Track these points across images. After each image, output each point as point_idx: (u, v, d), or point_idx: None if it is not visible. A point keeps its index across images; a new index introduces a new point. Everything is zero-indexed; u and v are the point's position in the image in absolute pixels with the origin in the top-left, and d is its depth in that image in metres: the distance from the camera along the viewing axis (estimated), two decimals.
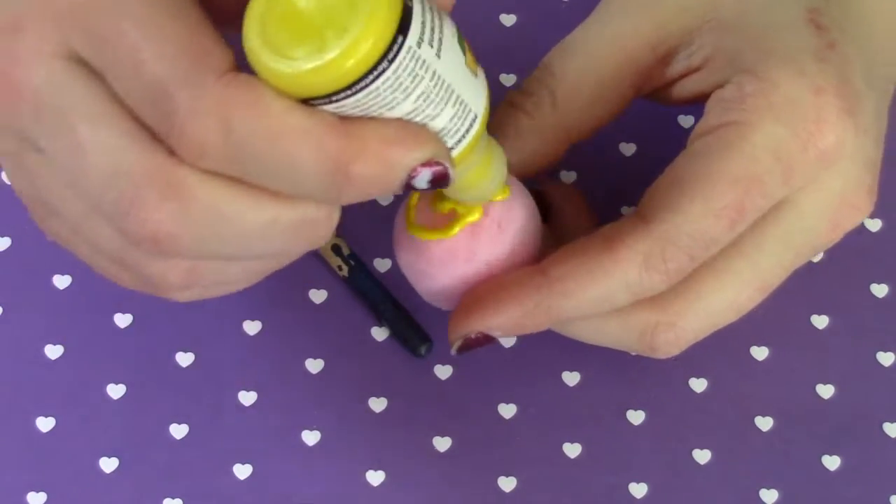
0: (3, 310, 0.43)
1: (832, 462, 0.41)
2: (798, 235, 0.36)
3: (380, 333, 0.43)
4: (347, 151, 0.28)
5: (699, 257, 0.35)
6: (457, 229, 0.36)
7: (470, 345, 0.36)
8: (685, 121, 0.45)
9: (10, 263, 0.44)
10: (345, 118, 0.28)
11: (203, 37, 0.28)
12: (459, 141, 0.30)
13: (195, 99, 0.27)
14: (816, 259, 0.44)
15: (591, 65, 0.38)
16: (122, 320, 0.43)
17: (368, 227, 0.44)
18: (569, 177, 0.45)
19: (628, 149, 0.45)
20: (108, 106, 0.28)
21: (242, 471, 0.41)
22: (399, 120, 0.28)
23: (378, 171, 0.28)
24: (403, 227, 0.37)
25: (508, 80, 0.46)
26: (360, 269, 0.43)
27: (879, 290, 0.44)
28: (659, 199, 0.35)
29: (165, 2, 0.28)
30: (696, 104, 0.38)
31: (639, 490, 0.41)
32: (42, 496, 0.41)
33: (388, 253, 0.44)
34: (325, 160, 0.28)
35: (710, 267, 0.36)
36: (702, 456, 0.42)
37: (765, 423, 0.42)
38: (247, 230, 0.29)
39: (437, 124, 0.29)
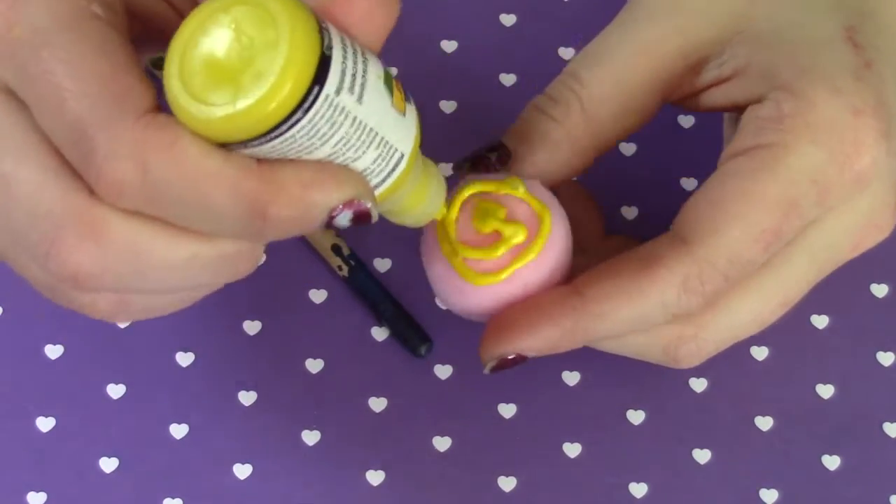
0: (3, 310, 0.43)
1: (832, 462, 0.41)
2: (823, 252, 0.36)
3: (380, 333, 0.43)
4: (264, 194, 0.28)
5: (734, 280, 0.35)
6: (502, 251, 0.35)
7: (504, 365, 0.36)
8: (685, 121, 0.45)
9: None
10: (262, 161, 0.28)
11: (126, 76, 0.28)
12: (384, 181, 0.30)
13: (113, 140, 0.27)
14: None
15: (620, 73, 0.37)
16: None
17: (369, 228, 0.44)
18: None
19: (628, 149, 0.45)
20: (33, 140, 0.29)
21: (242, 471, 0.41)
22: (317, 162, 0.28)
23: (296, 213, 0.28)
24: (436, 239, 0.36)
25: (508, 79, 0.46)
26: (360, 269, 0.43)
27: (879, 290, 0.44)
28: (697, 221, 0.35)
29: (91, 39, 0.28)
30: (724, 112, 0.38)
31: (639, 490, 0.41)
32: (42, 496, 0.41)
33: (388, 253, 0.44)
34: (241, 203, 0.28)
35: (737, 282, 0.36)
36: (702, 456, 0.42)
37: (765, 423, 0.42)
38: (167, 266, 0.29)
39: (359, 166, 0.29)
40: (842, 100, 0.34)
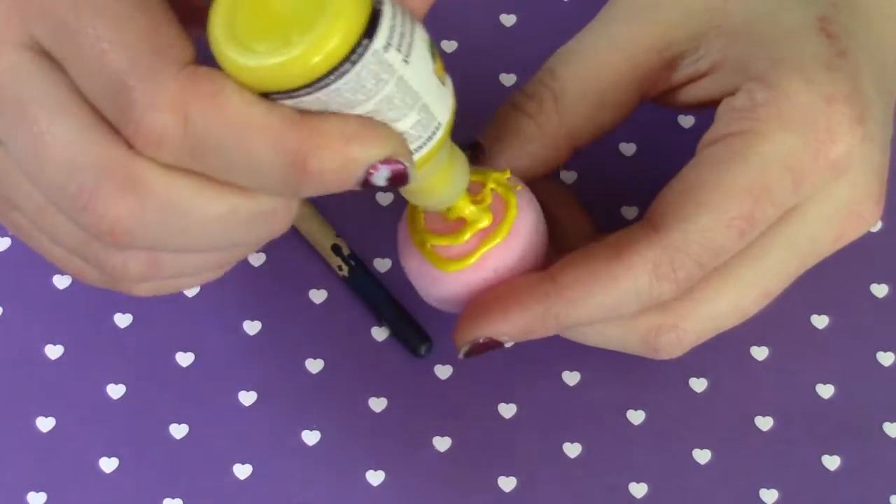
0: (3, 310, 0.43)
1: (832, 462, 0.41)
2: (803, 243, 0.36)
3: (380, 333, 0.43)
4: (305, 145, 0.28)
5: (708, 266, 0.35)
6: (467, 235, 0.35)
7: (477, 350, 0.36)
8: (685, 121, 0.45)
9: (10, 263, 0.44)
10: (304, 112, 0.28)
11: (165, 29, 0.28)
12: (420, 147, 0.30)
13: (154, 91, 0.27)
14: None
15: (595, 69, 0.38)
16: (122, 320, 0.43)
17: (368, 228, 0.44)
18: (569, 176, 0.45)
19: (628, 149, 0.45)
20: (68, 98, 0.28)
21: (242, 471, 0.41)
22: (360, 116, 0.28)
23: (336, 167, 0.28)
24: (408, 232, 0.37)
25: (508, 79, 0.46)
26: (360, 269, 0.43)
27: (879, 290, 0.44)
28: (669, 208, 0.35)
29: None
30: (703, 109, 0.38)
31: (639, 490, 0.41)
32: (42, 496, 0.41)
33: (388, 253, 0.44)
34: (282, 154, 0.28)
35: (714, 270, 0.36)
36: (702, 456, 0.42)
37: (765, 423, 0.42)
38: (205, 222, 0.29)
39: (399, 127, 0.29)
40: (814, 88, 0.34)
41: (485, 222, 0.35)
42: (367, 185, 0.29)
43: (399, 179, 0.29)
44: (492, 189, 0.36)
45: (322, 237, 0.43)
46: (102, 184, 0.28)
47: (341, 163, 0.28)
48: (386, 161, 0.29)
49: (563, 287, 0.35)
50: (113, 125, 0.28)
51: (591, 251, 0.36)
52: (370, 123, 0.28)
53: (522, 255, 0.36)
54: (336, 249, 0.43)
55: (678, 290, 0.35)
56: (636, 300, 0.35)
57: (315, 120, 0.28)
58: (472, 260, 0.36)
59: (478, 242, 0.36)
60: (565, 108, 0.38)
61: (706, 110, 0.38)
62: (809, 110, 0.34)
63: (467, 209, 0.35)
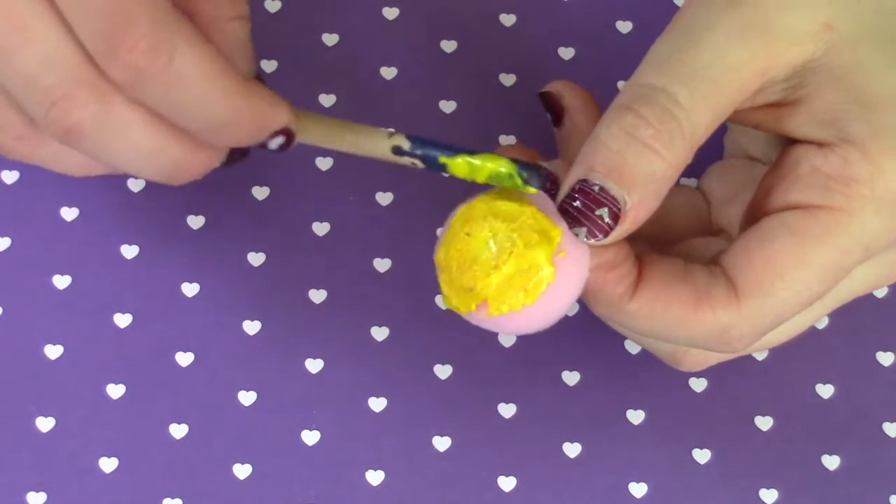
0: (3, 310, 0.43)
1: (832, 462, 0.41)
2: (845, 289, 0.37)
3: (380, 333, 0.43)
4: (249, 105, 0.33)
5: (767, 332, 0.35)
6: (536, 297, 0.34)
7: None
8: None
9: (10, 263, 0.44)
10: (248, 80, 0.33)
11: None
12: None
13: (151, 22, 0.30)
14: None
15: (715, 96, 0.34)
16: (122, 320, 0.43)
17: (369, 228, 0.44)
18: None
19: None
20: (53, 16, 0.31)
21: (242, 471, 0.41)
22: (274, 92, 0.34)
23: (255, 127, 0.33)
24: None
25: (508, 79, 0.46)
26: (430, 149, 0.35)
27: (879, 290, 0.44)
28: (752, 275, 0.34)
29: None
30: (766, 132, 0.37)
31: (639, 490, 0.41)
32: (42, 496, 0.41)
33: (389, 253, 0.44)
34: (231, 110, 0.32)
35: None
36: (702, 456, 0.42)
37: (765, 423, 0.42)
38: (137, 149, 0.33)
39: None
40: None
41: (550, 278, 0.34)
42: (260, 148, 0.34)
43: (287, 146, 0.34)
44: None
45: (373, 143, 0.36)
46: (78, 88, 0.31)
47: (260, 126, 0.33)
48: (283, 130, 0.34)
49: (637, 303, 0.35)
50: (89, 52, 0.31)
51: (675, 286, 0.35)
52: (279, 96, 0.34)
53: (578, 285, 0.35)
54: (397, 151, 0.35)
55: (732, 352, 0.36)
56: (692, 343, 0.36)
57: (253, 86, 0.33)
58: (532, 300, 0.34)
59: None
60: (693, 144, 0.34)
61: None
62: None
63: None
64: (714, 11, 0.34)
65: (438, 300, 0.43)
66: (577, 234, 0.34)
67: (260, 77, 0.35)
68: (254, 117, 0.33)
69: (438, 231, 0.37)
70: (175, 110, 0.32)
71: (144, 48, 0.30)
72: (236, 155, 0.35)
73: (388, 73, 0.46)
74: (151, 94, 0.31)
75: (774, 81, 0.35)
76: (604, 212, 0.34)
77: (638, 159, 0.33)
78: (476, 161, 0.35)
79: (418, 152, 0.35)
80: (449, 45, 0.47)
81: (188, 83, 0.31)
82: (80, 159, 0.35)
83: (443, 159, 0.35)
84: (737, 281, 0.35)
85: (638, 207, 0.34)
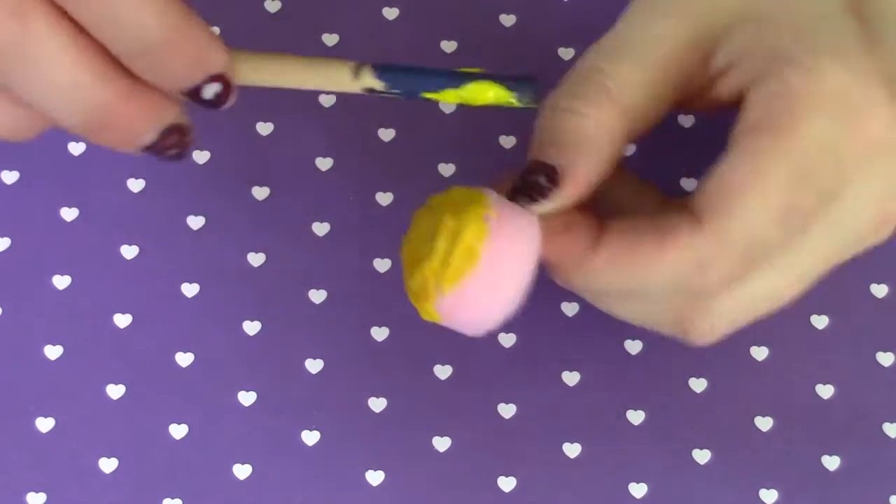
0: (3, 310, 0.43)
1: (832, 462, 0.41)
2: (840, 228, 0.36)
3: (380, 333, 0.43)
4: (178, 27, 0.30)
5: (752, 260, 0.35)
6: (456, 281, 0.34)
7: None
8: (685, 120, 0.45)
9: (10, 263, 0.44)
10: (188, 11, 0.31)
11: None
12: None
13: None
14: None
15: (642, 64, 0.36)
16: (122, 320, 0.43)
17: (368, 227, 0.44)
18: None
19: (628, 148, 0.45)
20: None
21: (242, 471, 0.41)
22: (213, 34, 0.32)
23: (192, 59, 0.31)
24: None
25: None
26: (409, 83, 0.35)
27: (879, 290, 0.44)
28: (711, 200, 0.34)
29: None
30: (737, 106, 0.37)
31: (639, 490, 0.41)
32: (42, 496, 0.41)
33: (389, 253, 0.44)
34: (161, 28, 0.30)
35: None
36: (702, 456, 0.42)
37: (765, 423, 0.42)
38: (60, 80, 0.30)
39: None
40: (850, 69, 0.34)
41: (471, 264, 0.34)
42: (193, 96, 0.32)
43: (224, 98, 0.32)
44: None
45: (337, 82, 0.35)
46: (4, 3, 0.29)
47: (196, 58, 0.31)
48: (220, 76, 0.32)
49: (601, 256, 0.35)
50: None
51: (637, 229, 0.35)
52: (218, 38, 0.32)
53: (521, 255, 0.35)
54: (370, 92, 0.34)
55: (720, 285, 0.35)
56: (671, 288, 0.35)
57: (192, 14, 0.31)
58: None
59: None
60: (621, 101, 0.36)
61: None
62: (845, 91, 0.34)
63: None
64: None
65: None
66: (523, 206, 0.35)
67: None
68: (190, 45, 0.31)
69: None
70: (105, 21, 0.30)
71: None
72: (171, 137, 0.33)
73: None
74: (77, 2, 0.30)
75: (715, 48, 0.36)
76: (540, 177, 0.35)
77: (562, 124, 0.36)
78: (465, 93, 0.34)
79: (396, 91, 0.33)
80: (449, 46, 0.47)
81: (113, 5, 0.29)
82: (5, 113, 0.33)
83: (426, 95, 0.34)
84: (697, 210, 0.35)
85: (575, 170, 0.35)
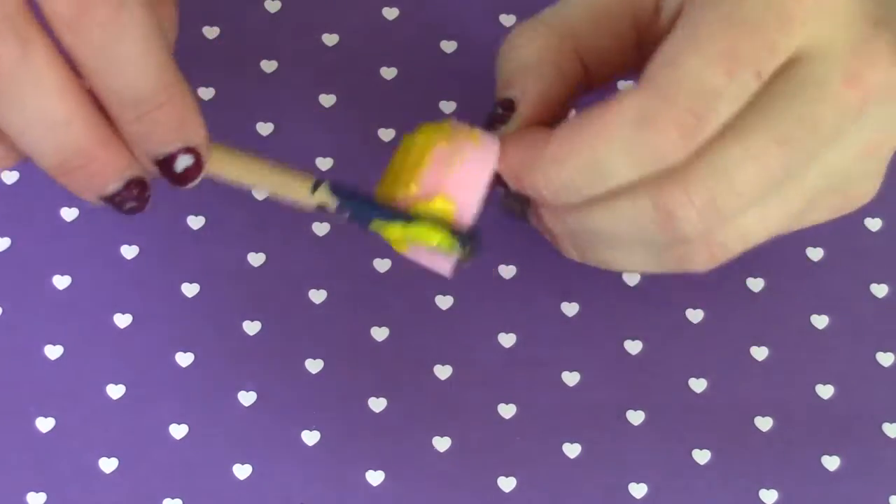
0: (3, 310, 0.43)
1: (832, 462, 0.41)
2: (812, 89, 0.33)
3: (380, 333, 0.43)
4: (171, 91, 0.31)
5: (705, 115, 0.32)
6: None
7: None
8: None
9: (10, 263, 0.44)
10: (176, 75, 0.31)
11: None
12: None
13: None
14: (816, 258, 0.44)
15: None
16: (122, 320, 0.43)
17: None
18: None
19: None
20: None
21: (242, 471, 0.41)
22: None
23: (173, 127, 0.32)
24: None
25: None
26: (360, 210, 0.36)
27: (879, 290, 0.44)
28: (653, 63, 0.33)
29: None
30: None
31: (639, 490, 0.41)
32: (42, 496, 0.41)
33: (389, 253, 0.44)
34: (155, 83, 0.31)
35: (718, 133, 0.33)
36: (702, 456, 0.42)
37: (765, 423, 0.42)
38: (46, 114, 0.30)
39: None
40: None
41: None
42: (164, 166, 0.33)
43: (194, 173, 0.33)
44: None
45: (295, 193, 0.36)
46: (2, 24, 0.29)
47: (178, 121, 0.32)
48: (194, 150, 0.33)
49: (552, 144, 0.34)
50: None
51: (584, 114, 0.34)
52: (196, 115, 0.32)
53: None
54: (321, 209, 0.36)
55: (680, 147, 0.33)
56: (628, 159, 0.33)
57: (183, 80, 0.31)
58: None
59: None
60: (558, 25, 0.37)
61: None
62: None
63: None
64: None
65: (439, 300, 0.43)
66: (489, 132, 0.37)
67: None
68: (177, 108, 0.31)
69: None
70: (104, 65, 0.30)
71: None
72: (132, 190, 0.33)
73: (388, 73, 0.46)
74: (87, 37, 0.30)
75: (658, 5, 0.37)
76: (497, 108, 0.37)
77: (507, 62, 0.38)
78: (411, 232, 0.35)
79: (346, 214, 0.35)
80: (449, 45, 0.47)
81: (128, 37, 0.30)
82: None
83: (374, 224, 0.35)
84: (641, 77, 0.34)
85: (525, 94, 0.37)
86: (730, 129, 0.33)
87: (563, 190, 0.35)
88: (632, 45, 0.38)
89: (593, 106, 0.34)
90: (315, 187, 0.35)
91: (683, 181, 0.33)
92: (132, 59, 0.30)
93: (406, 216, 0.35)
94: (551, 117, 0.37)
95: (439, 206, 0.35)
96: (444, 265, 0.36)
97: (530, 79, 0.37)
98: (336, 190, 0.35)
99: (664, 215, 0.34)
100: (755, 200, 0.34)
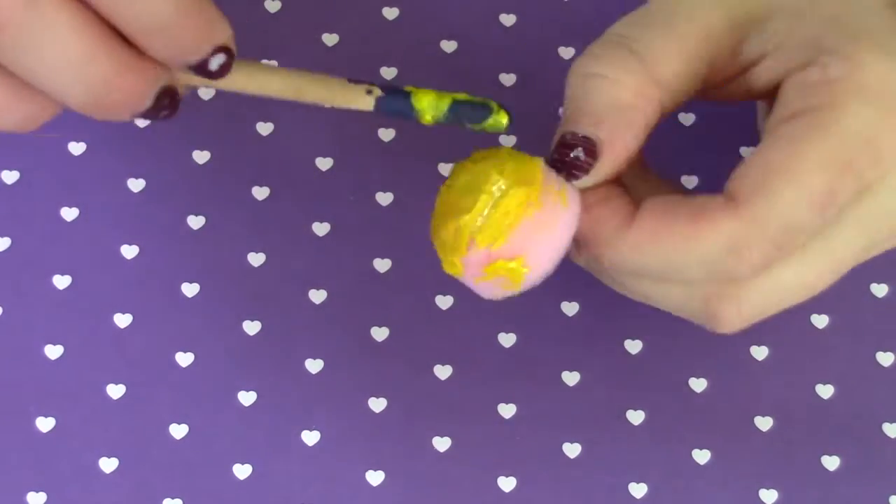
0: (3, 310, 0.43)
1: (832, 462, 0.41)
2: (874, 220, 0.35)
3: (380, 333, 0.43)
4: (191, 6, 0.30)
5: (786, 246, 0.34)
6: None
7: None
8: (686, 118, 0.45)
9: (10, 263, 0.44)
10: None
11: None
12: None
13: None
14: None
15: (674, 36, 0.35)
16: (122, 320, 0.43)
17: (368, 227, 0.44)
18: None
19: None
20: None
21: (242, 471, 0.41)
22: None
23: (200, 36, 0.31)
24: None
25: (508, 79, 0.46)
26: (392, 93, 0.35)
27: (879, 290, 0.44)
28: (748, 182, 0.33)
29: None
30: (762, 99, 0.37)
31: (639, 490, 0.41)
32: (42, 496, 0.41)
33: (388, 253, 0.44)
34: (178, 5, 0.30)
35: None
36: (702, 456, 0.42)
37: (765, 423, 0.42)
38: (67, 56, 0.30)
39: None
40: (889, 59, 0.34)
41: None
42: (198, 69, 0.32)
43: (226, 68, 0.32)
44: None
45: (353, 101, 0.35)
46: None
47: (204, 32, 0.31)
48: (224, 48, 0.32)
49: (634, 232, 0.34)
50: None
51: (672, 206, 0.34)
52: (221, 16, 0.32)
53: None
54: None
55: (751, 272, 0.34)
56: (703, 269, 0.34)
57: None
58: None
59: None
60: (653, 70, 0.35)
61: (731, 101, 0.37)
62: (887, 81, 0.33)
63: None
64: None
65: (438, 300, 0.43)
66: (563, 179, 0.35)
67: None
68: (200, 21, 0.31)
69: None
70: (120, 3, 0.30)
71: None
72: (164, 101, 0.32)
73: (388, 73, 0.46)
74: None
75: (747, 36, 0.35)
76: (578, 152, 0.34)
77: (595, 92, 0.34)
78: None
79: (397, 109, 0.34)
80: (449, 45, 0.47)
81: None
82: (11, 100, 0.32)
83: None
84: (734, 192, 0.34)
85: (612, 141, 0.34)
86: (792, 252, 0.35)
87: (631, 270, 0.35)
88: (700, 85, 0.37)
89: (684, 204, 0.34)
90: (370, 93, 0.34)
91: (737, 296, 0.35)
92: None
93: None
94: (623, 171, 0.36)
95: (515, 265, 0.34)
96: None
97: (621, 125, 0.35)
98: (385, 93, 0.34)
99: (710, 314, 0.36)
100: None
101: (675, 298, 0.36)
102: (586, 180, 0.35)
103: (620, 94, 0.35)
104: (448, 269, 0.35)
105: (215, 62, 0.32)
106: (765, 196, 0.33)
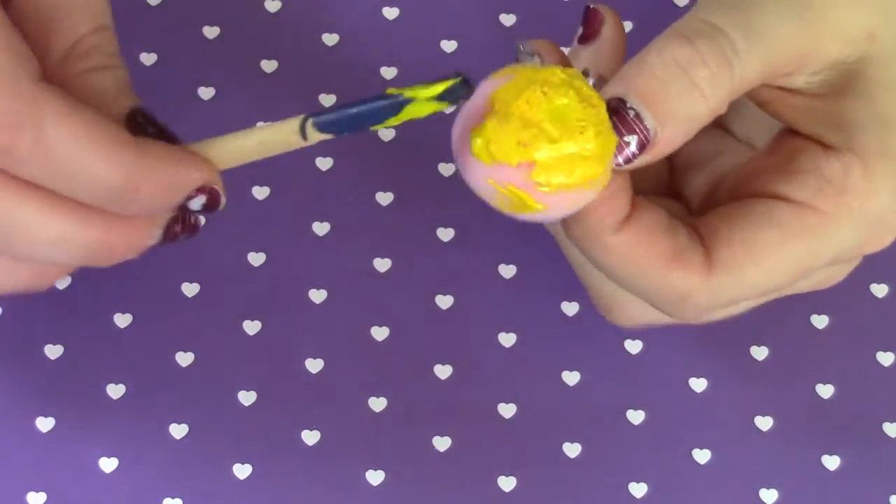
0: (3, 310, 0.43)
1: (832, 462, 0.41)
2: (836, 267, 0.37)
3: (380, 333, 0.43)
4: (139, 167, 0.30)
5: (731, 311, 0.36)
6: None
7: None
8: None
9: None
10: (140, 140, 0.31)
11: (18, 41, 0.30)
12: None
13: (11, 97, 0.29)
14: None
15: (766, 56, 0.33)
16: (122, 320, 0.43)
17: (369, 227, 0.44)
18: None
19: None
20: None
21: (242, 471, 0.41)
22: (182, 147, 0.31)
23: (162, 190, 0.31)
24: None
25: None
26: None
27: (879, 290, 0.44)
28: (729, 257, 0.34)
29: None
30: (770, 113, 0.36)
31: (639, 490, 0.41)
32: (42, 496, 0.41)
33: (388, 253, 0.44)
34: (117, 172, 0.30)
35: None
36: (702, 456, 0.42)
37: (765, 423, 0.42)
38: (43, 239, 0.31)
39: None
40: None
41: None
42: (182, 213, 0.32)
43: (214, 205, 0.32)
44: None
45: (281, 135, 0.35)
46: None
47: (168, 186, 0.31)
48: (202, 189, 0.32)
49: (616, 239, 0.33)
50: None
51: (657, 235, 0.34)
52: (189, 153, 0.31)
53: None
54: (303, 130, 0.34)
55: (692, 319, 0.36)
56: (651, 297, 0.35)
57: (149, 145, 0.31)
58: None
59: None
60: (733, 95, 0.33)
61: None
62: (883, 216, 0.34)
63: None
64: None
65: (438, 300, 0.43)
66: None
67: (166, 132, 0.33)
68: (155, 179, 0.31)
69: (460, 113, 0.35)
70: (63, 184, 0.30)
71: (6, 125, 0.29)
72: (177, 228, 0.33)
73: (388, 73, 0.46)
74: (29, 171, 0.30)
75: (805, 69, 0.34)
76: (633, 139, 0.32)
77: (682, 96, 0.32)
78: (404, 115, 0.33)
79: (344, 134, 0.33)
80: (449, 45, 0.47)
81: (63, 155, 0.30)
82: (23, 267, 0.33)
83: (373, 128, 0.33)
84: (713, 254, 0.34)
85: (665, 142, 0.32)
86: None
87: (597, 264, 0.35)
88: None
89: (669, 237, 0.34)
90: (303, 131, 0.33)
91: (699, 316, 0.36)
92: (80, 171, 0.30)
93: (395, 106, 0.33)
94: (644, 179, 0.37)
95: (531, 202, 0.32)
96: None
97: (681, 134, 0.33)
98: (322, 126, 0.33)
99: (674, 313, 0.36)
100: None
101: (592, 281, 0.38)
102: (623, 168, 0.33)
103: (698, 108, 0.33)
104: (475, 150, 0.33)
105: (196, 204, 0.32)
106: (733, 275, 0.34)
